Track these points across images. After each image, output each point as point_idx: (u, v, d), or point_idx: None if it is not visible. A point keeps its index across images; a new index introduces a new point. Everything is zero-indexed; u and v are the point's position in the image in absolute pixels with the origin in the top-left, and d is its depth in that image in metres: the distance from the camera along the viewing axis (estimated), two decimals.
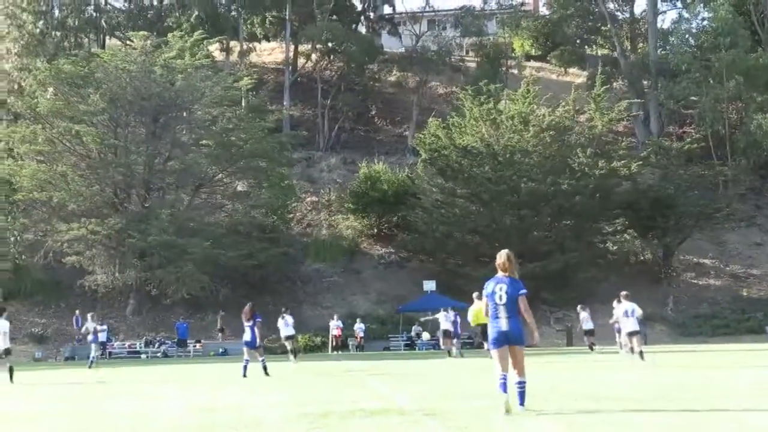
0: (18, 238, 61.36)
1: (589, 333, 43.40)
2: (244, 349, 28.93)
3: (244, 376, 27.62)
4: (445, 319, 43.69)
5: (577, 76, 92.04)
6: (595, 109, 67.44)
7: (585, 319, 43.69)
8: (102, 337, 53.88)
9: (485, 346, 34.28)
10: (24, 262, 62.34)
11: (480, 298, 42.14)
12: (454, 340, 43.74)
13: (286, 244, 65.42)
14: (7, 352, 27.88)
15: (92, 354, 39.18)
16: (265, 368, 28.44)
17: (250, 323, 28.87)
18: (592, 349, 42.29)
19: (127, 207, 61.27)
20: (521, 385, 13.64)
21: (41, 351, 55.01)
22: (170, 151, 62.41)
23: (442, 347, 45.47)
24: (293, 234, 69.91)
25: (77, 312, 56.40)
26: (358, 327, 56.94)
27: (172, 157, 62.25)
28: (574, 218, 63.76)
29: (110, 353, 54.07)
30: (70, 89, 61.25)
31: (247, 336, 28.93)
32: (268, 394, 19.96)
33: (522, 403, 13.57)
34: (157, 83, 61.12)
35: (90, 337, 40.12)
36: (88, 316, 41.51)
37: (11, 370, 27.62)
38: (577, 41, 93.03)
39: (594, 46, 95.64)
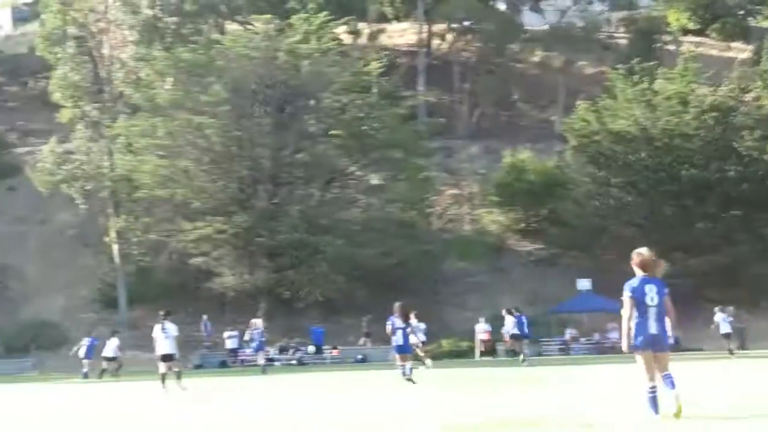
0: (141, 238, 60.39)
1: (727, 336, 43.16)
2: (395, 355, 27.28)
3: (414, 381, 25.83)
4: (512, 323, 43.72)
5: (740, 50, 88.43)
6: (762, 86, 64.84)
7: (722, 320, 43.44)
8: (232, 343, 52.69)
9: None
10: (147, 264, 61.72)
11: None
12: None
13: (426, 241, 63.79)
14: (168, 357, 28.10)
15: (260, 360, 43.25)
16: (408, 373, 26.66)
17: (405, 326, 26.96)
18: (732, 353, 41.44)
19: (254, 203, 60.37)
20: (668, 376, 13.29)
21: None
22: (298, 143, 61.36)
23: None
24: (433, 230, 68.46)
25: (205, 317, 55.55)
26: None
27: (301, 149, 61.33)
28: (743, 208, 60.47)
29: (242, 361, 52.36)
30: (190, 79, 60.96)
31: (399, 339, 26.69)
32: (411, 402, 19.62)
33: (673, 387, 13.20)
34: (281, 70, 60.56)
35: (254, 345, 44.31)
36: (252, 322, 46.18)
37: (179, 375, 28.36)
38: (741, 12, 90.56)
39: (759, 17, 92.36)
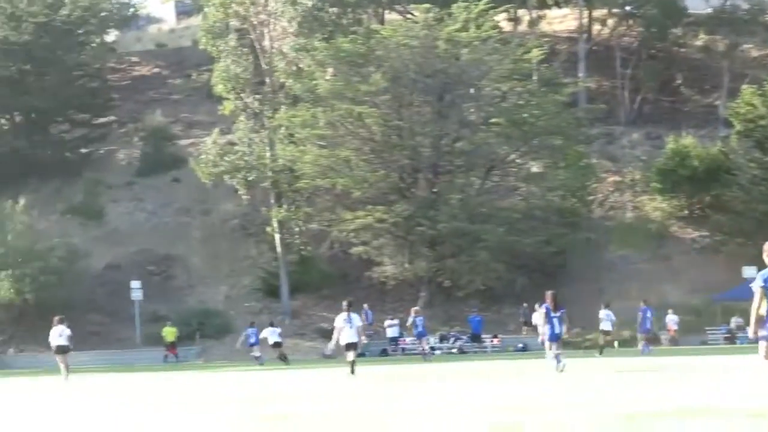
0: (302, 228, 61.83)
1: None
2: (548, 342, 27.66)
3: (561, 370, 26.46)
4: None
5: None
6: None
7: None
8: (393, 332, 53.73)
9: None
10: (309, 254, 63.16)
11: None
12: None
13: (587, 228, 63.77)
14: (353, 346, 29.46)
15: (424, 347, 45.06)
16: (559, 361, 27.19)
17: (558, 314, 27.48)
18: None
19: (414, 192, 61.28)
20: None
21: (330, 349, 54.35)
22: (458, 131, 62.01)
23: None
24: (594, 218, 68.02)
25: (365, 306, 56.20)
26: (671, 319, 55.44)
27: (461, 138, 61.87)
28: None
29: (403, 349, 53.32)
30: (350, 69, 61.87)
31: (553, 327, 27.40)
32: (569, 393, 19.16)
33: None
34: (440, 59, 60.94)
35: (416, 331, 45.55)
36: (412, 310, 46.50)
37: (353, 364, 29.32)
38: None
39: None
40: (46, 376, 42.70)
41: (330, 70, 63.53)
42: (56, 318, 38.24)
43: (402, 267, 58.58)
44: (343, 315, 29.33)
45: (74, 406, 20.33)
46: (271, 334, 47.62)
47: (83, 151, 79.92)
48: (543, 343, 28.45)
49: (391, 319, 55.72)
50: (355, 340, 29.33)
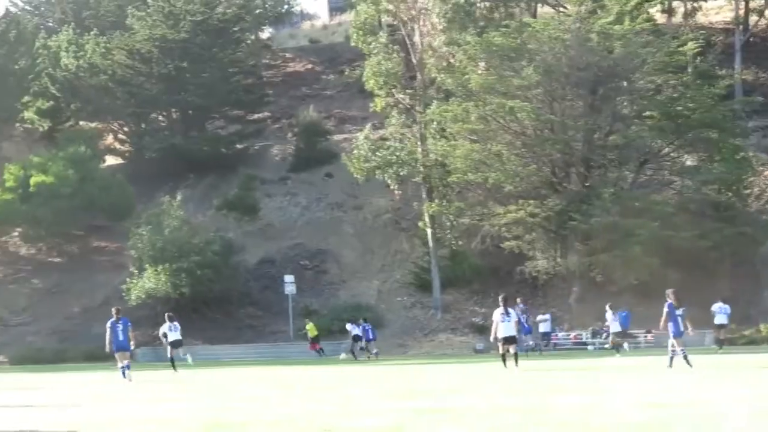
0: (454, 222, 62.86)
1: None
2: (673, 339, 28.83)
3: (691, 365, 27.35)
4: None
5: None
6: None
7: None
8: (545, 327, 54.46)
9: None
10: (461, 248, 63.93)
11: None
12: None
13: (743, 222, 62.68)
14: (511, 340, 30.48)
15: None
16: (686, 357, 28.27)
17: (680, 311, 28.82)
18: None
19: (566, 187, 61.41)
20: None
21: (482, 343, 55.43)
22: (611, 125, 62.01)
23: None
24: (751, 211, 66.76)
25: (519, 300, 56.68)
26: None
27: (614, 131, 61.86)
28: None
29: (555, 344, 53.96)
30: (502, 63, 62.12)
31: (676, 324, 28.77)
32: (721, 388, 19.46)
33: None
34: (593, 52, 60.66)
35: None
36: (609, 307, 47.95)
37: (515, 357, 30.40)
38: None
39: None
40: (210, 368, 44.81)
41: (481, 64, 64.02)
42: (168, 314, 41.15)
43: (554, 261, 59.01)
44: (500, 309, 30.38)
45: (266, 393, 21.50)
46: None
47: (238, 146, 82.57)
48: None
49: (543, 314, 56.32)
50: (513, 333, 30.39)
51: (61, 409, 19.23)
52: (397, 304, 64.71)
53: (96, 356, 59.98)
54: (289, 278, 63.88)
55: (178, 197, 69.04)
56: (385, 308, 64.41)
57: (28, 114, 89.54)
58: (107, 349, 32.53)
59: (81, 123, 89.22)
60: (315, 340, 57.96)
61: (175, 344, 40.09)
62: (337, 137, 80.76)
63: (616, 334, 46.26)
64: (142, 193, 75.52)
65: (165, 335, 40.50)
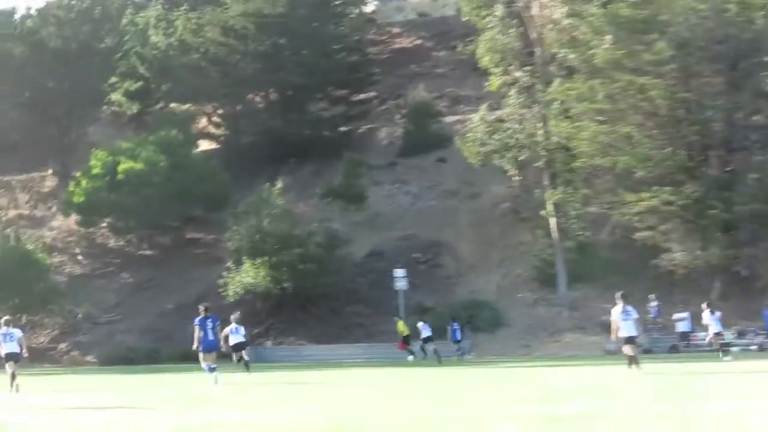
0: (580, 211, 62.55)
1: None
2: None
3: None
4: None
5: None
6: None
7: None
8: (684, 326, 54.05)
9: None
10: (588, 239, 63.64)
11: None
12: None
13: None
14: (632, 340, 31.21)
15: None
16: None
17: None
18: None
19: (705, 172, 60.62)
20: None
21: (614, 343, 55.16)
22: (754, 103, 60.86)
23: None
24: None
25: (652, 296, 56.40)
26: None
27: (758, 110, 60.71)
28: None
29: (695, 345, 53.53)
30: (630, 36, 61.22)
31: None
32: None
33: None
34: (732, 23, 59.58)
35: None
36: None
37: (633, 360, 30.98)
38: None
39: None
40: (317, 370, 45.28)
41: (608, 38, 63.25)
42: (233, 316, 41.58)
43: (693, 254, 58.28)
44: (619, 307, 30.76)
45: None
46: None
47: (342, 129, 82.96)
48: None
49: (681, 311, 55.89)
50: (634, 333, 30.76)
51: (156, 413, 19.76)
52: (519, 301, 64.47)
53: (191, 356, 61.23)
54: (399, 272, 63.58)
55: (278, 185, 69.38)
56: (506, 305, 64.12)
57: (115, 96, 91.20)
58: (195, 347, 33.24)
59: (172, 105, 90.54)
60: (406, 341, 58.12)
61: (238, 347, 40.61)
62: (449, 119, 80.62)
63: (717, 335, 45.68)
64: (239, 181, 76.38)
65: (227, 338, 40.33)
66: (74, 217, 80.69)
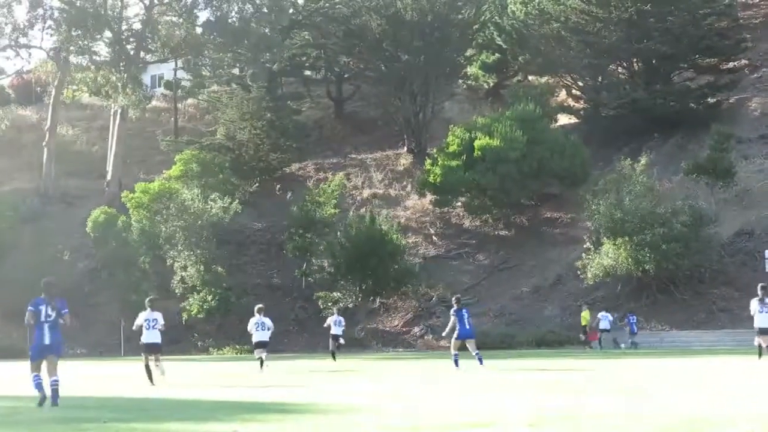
0: None
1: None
2: None
3: None
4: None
5: None
6: None
7: None
8: None
9: None
10: None
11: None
12: None
13: None
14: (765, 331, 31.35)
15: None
16: None
17: None
18: None
19: None
20: None
21: None
22: None
23: None
24: None
25: None
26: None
27: None
28: None
29: None
30: None
31: None
32: None
33: None
34: None
35: None
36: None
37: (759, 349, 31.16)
38: None
39: None
40: (680, 357, 44.97)
41: None
42: (257, 307, 38.77)
43: None
44: (758, 298, 31.93)
45: None
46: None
47: (710, 101, 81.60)
48: None
49: None
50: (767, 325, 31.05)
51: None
52: None
53: (546, 341, 62.24)
54: None
55: (642, 160, 68.99)
56: None
57: (471, 69, 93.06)
58: (445, 334, 36.00)
59: (530, 78, 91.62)
60: (585, 330, 59.79)
61: (259, 345, 38.17)
62: None
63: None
64: (598, 157, 76.50)
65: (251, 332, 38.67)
66: (429, 197, 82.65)
